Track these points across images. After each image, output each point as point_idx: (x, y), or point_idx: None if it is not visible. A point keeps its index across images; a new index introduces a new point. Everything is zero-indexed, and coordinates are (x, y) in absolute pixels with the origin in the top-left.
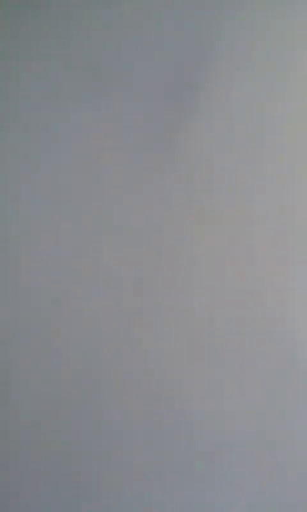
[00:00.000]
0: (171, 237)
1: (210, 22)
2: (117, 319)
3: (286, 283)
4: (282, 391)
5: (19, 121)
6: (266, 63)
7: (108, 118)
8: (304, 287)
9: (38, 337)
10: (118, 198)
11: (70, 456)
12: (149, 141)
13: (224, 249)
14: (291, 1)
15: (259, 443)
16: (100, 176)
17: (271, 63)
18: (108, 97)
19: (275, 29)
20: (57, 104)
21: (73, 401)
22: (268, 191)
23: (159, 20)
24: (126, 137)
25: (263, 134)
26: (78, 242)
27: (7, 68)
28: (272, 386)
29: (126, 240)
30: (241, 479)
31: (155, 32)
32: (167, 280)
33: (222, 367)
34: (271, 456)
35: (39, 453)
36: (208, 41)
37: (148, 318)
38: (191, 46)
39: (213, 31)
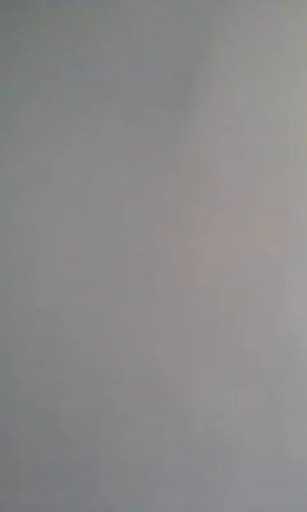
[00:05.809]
0: (170, 238)
1: (209, 22)
2: (117, 318)
3: (285, 281)
4: (281, 389)
5: (21, 122)
6: (266, 63)
7: (108, 118)
8: (303, 285)
9: (40, 332)
10: (118, 198)
11: (69, 458)
12: (149, 141)
13: (224, 250)
14: (291, 1)
15: (258, 442)
16: (100, 178)
17: (271, 63)
18: (108, 97)
19: (275, 28)
20: (57, 105)
21: (73, 400)
22: (268, 189)
23: (158, 20)
24: (126, 138)
25: (263, 133)
26: (78, 243)
27: (6, 76)
28: (271, 385)
29: (125, 241)
30: (240, 479)
31: (155, 32)
32: (167, 280)
33: (221, 367)
34: (271, 454)
35: (37, 455)
36: (208, 42)
37: (148, 318)
38: (191, 46)
39: (213, 31)
